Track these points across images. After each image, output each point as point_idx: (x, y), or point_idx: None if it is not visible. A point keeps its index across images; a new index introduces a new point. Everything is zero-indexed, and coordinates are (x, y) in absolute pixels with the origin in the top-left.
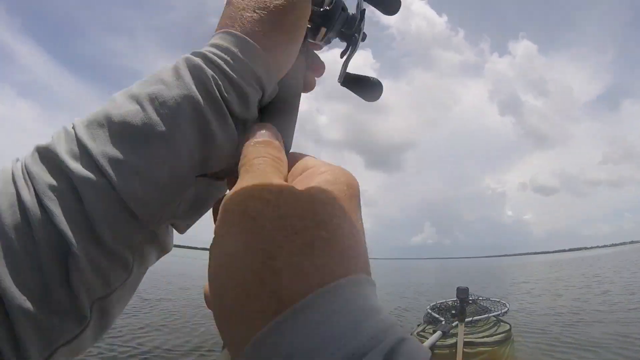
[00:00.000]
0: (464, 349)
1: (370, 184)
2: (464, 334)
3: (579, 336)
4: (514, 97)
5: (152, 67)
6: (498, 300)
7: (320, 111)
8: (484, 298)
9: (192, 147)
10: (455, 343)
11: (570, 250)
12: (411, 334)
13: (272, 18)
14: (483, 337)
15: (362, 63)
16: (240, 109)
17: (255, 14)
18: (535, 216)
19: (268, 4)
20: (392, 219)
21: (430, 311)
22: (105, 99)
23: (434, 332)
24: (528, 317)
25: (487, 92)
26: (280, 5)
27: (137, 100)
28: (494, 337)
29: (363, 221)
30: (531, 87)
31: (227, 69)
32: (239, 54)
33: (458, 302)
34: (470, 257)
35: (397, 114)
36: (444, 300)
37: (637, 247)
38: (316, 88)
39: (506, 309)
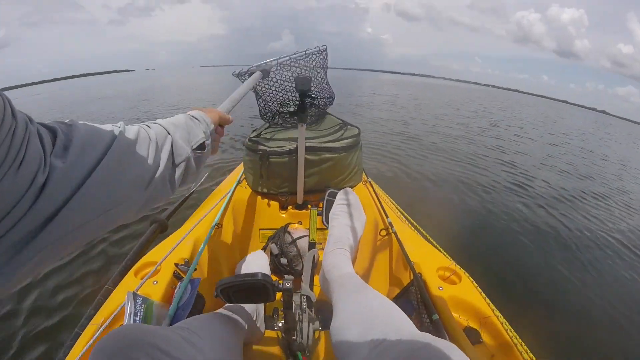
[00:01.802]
0: (306, 156)
1: None
2: (306, 139)
3: (417, 145)
4: None
5: None
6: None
7: None
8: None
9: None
10: (296, 149)
11: (419, 75)
12: (244, 141)
13: None
14: (328, 142)
15: None
16: None
17: None
18: (392, 38)
19: None
20: (249, 25)
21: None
22: None
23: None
24: (375, 125)
25: None
26: None
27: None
28: (341, 141)
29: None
30: None
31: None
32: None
33: (297, 95)
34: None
35: None
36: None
37: (479, 88)
38: None
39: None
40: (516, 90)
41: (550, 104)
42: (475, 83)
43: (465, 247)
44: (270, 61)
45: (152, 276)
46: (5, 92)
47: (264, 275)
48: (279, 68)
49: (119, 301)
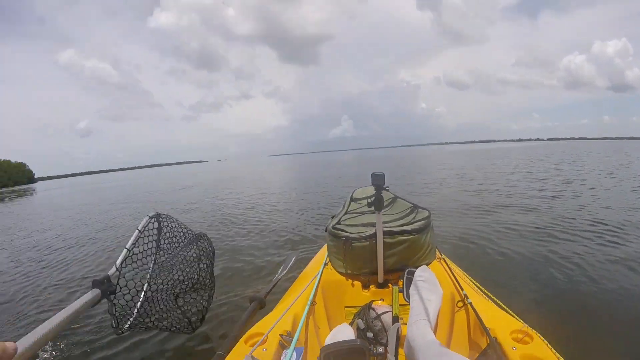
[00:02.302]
0: (384, 239)
1: (287, 78)
2: (383, 224)
3: (494, 220)
4: None
5: None
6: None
7: (227, 2)
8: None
9: None
10: (374, 234)
11: (480, 142)
12: (327, 227)
13: None
14: (402, 225)
15: None
16: None
17: None
18: (447, 109)
19: None
20: (309, 114)
21: (347, 203)
22: None
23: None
24: (444, 203)
25: None
26: None
27: None
28: (414, 224)
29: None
30: None
31: None
32: None
33: (374, 189)
34: (386, 147)
35: (311, 3)
36: (361, 188)
37: (542, 144)
38: None
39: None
40: (580, 138)
41: (618, 145)
42: (538, 139)
43: (542, 311)
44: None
45: (261, 344)
46: (90, 176)
47: (361, 340)
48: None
49: None
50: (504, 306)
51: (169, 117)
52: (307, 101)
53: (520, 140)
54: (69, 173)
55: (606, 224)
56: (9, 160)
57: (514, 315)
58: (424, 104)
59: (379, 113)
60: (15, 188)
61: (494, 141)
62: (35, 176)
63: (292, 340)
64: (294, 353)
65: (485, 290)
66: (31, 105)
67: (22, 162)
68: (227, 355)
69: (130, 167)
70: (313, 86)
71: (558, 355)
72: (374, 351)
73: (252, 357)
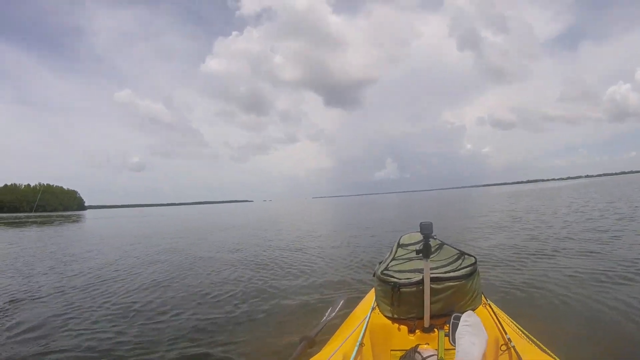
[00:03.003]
0: (431, 285)
1: (331, 122)
2: (430, 270)
3: (551, 265)
4: (473, 33)
5: None
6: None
7: (275, 50)
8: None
9: None
10: (422, 280)
11: (527, 181)
12: (375, 272)
13: None
14: (449, 271)
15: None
16: None
17: None
18: (493, 149)
19: None
20: (354, 156)
21: (395, 249)
22: None
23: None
24: (493, 248)
25: (446, 28)
26: None
27: None
28: (460, 271)
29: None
30: (491, 23)
31: None
32: None
33: (422, 237)
34: (431, 190)
35: (355, 50)
36: (408, 234)
37: (591, 181)
38: (267, 23)
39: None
40: (630, 172)
41: None
42: (587, 176)
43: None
44: None
45: None
46: (140, 208)
47: None
48: None
49: None
50: (548, 350)
51: (218, 157)
52: (351, 144)
53: (569, 178)
54: (119, 204)
55: None
56: (62, 187)
57: (558, 359)
58: (469, 145)
59: (423, 155)
60: (64, 213)
61: (542, 180)
62: (86, 204)
63: None
64: None
65: (530, 335)
66: (87, 138)
67: (73, 190)
68: None
69: (177, 203)
70: (357, 129)
71: None
72: None
73: None
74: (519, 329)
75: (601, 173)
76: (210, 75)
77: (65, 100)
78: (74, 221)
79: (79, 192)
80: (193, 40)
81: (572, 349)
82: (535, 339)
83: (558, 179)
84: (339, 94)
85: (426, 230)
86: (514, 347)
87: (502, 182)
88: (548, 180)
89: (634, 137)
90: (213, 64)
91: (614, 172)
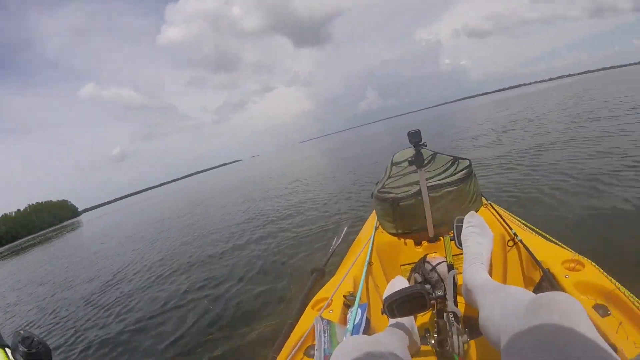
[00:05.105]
0: (430, 194)
1: (305, 63)
2: (426, 180)
3: (536, 160)
4: None
5: None
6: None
7: (230, 2)
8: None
9: None
10: (419, 191)
11: (510, 88)
12: (373, 193)
13: None
14: (445, 177)
15: None
16: None
17: None
18: (471, 61)
19: None
20: (334, 93)
21: (389, 168)
22: None
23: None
24: (484, 151)
25: None
26: None
27: None
28: (456, 175)
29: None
30: None
31: None
32: None
33: (412, 147)
34: (415, 111)
35: None
36: (400, 152)
37: (575, 79)
38: None
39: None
40: (611, 67)
41: None
42: (569, 75)
43: (592, 238)
44: None
45: (327, 307)
46: (133, 197)
47: (421, 285)
48: None
49: (305, 328)
50: (553, 239)
51: (199, 125)
52: (328, 81)
53: (550, 79)
54: (112, 199)
55: None
56: (51, 200)
57: (564, 246)
58: (447, 60)
59: (402, 78)
60: (59, 225)
61: (525, 84)
62: (80, 209)
63: (354, 299)
64: (359, 310)
65: (535, 228)
66: (63, 145)
67: (64, 200)
68: (297, 322)
69: (170, 181)
70: (332, 65)
71: (610, 278)
72: (434, 294)
73: (321, 317)
74: (523, 223)
75: (584, 71)
76: (170, 46)
77: (32, 116)
78: (68, 232)
79: (69, 200)
80: (144, 17)
81: (578, 238)
82: (540, 231)
83: (540, 82)
84: (308, 32)
85: (414, 138)
86: (520, 241)
87: (485, 91)
88: (531, 83)
89: (613, 32)
90: (170, 34)
91: (596, 68)
